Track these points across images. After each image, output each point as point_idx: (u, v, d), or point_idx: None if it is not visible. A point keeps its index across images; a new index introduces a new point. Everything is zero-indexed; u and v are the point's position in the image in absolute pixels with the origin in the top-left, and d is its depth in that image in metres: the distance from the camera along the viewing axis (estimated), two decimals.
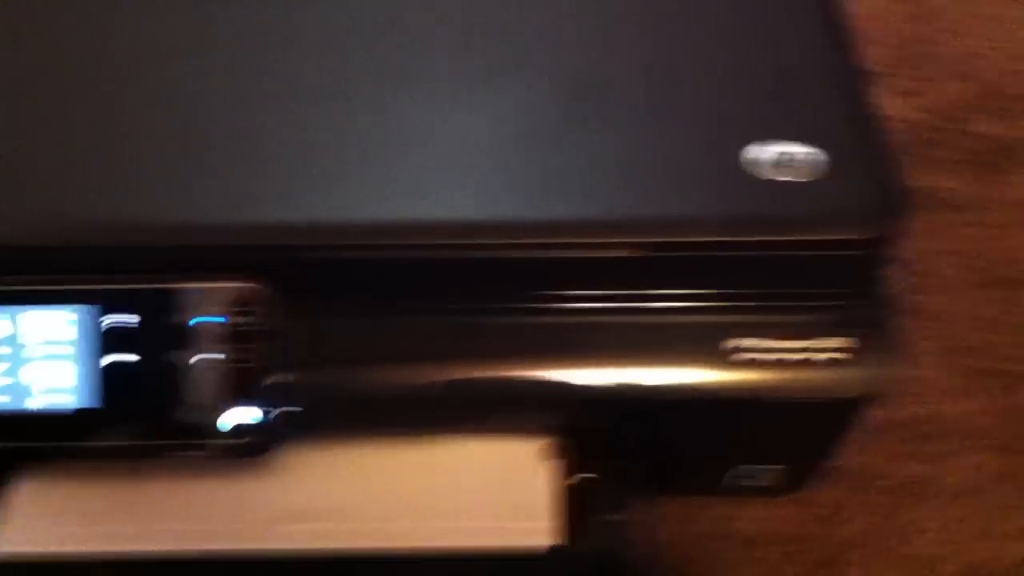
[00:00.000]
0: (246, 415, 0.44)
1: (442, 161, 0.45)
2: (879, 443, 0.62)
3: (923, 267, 0.69)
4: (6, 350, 0.44)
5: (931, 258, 0.70)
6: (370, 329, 0.45)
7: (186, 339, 0.44)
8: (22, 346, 0.44)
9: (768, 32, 0.51)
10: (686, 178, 0.45)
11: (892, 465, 0.62)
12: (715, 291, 0.46)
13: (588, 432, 0.50)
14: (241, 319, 0.44)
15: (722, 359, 0.45)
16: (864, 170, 0.46)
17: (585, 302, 0.46)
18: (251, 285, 0.44)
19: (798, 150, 0.46)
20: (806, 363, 0.45)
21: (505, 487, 0.48)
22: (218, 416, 0.44)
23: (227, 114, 0.47)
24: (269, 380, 0.44)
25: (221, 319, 0.44)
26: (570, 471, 0.49)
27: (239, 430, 0.44)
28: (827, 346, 0.45)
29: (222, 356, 0.44)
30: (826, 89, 0.48)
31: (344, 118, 0.47)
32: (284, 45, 0.49)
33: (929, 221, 0.71)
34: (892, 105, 0.78)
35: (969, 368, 0.65)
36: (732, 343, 0.45)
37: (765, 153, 0.45)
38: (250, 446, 0.45)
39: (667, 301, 0.46)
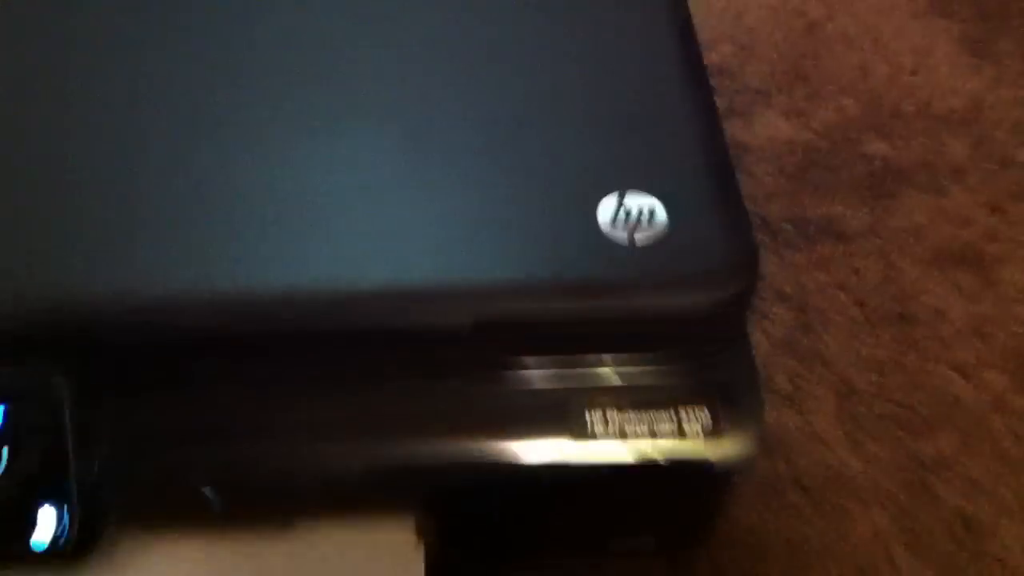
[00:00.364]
0: (50, 517, 0.41)
1: (247, 221, 0.42)
2: (766, 501, 0.58)
3: (812, 304, 0.66)
4: None
5: (819, 294, 0.66)
6: (187, 408, 0.42)
7: None
8: None
9: (610, 67, 0.49)
10: (517, 239, 0.42)
11: (780, 523, 0.57)
12: (562, 359, 0.44)
13: (447, 508, 0.46)
14: (28, 409, 0.40)
15: (571, 430, 0.43)
16: (708, 226, 0.43)
17: (424, 373, 0.43)
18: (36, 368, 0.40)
19: (637, 204, 0.43)
20: (661, 432, 0.43)
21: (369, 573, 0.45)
22: (20, 523, 0.40)
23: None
24: (74, 474, 0.40)
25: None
26: (435, 550, 0.46)
27: (51, 536, 0.41)
28: (683, 413, 0.43)
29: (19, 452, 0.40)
30: (671, 135, 0.46)
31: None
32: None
33: (817, 253, 0.68)
34: (776, 126, 0.76)
35: (862, 416, 0.61)
36: (582, 414, 0.43)
37: (602, 209, 0.43)
38: (63, 551, 0.41)
39: (512, 370, 0.43)
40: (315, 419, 0.42)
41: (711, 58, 0.75)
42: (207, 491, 0.42)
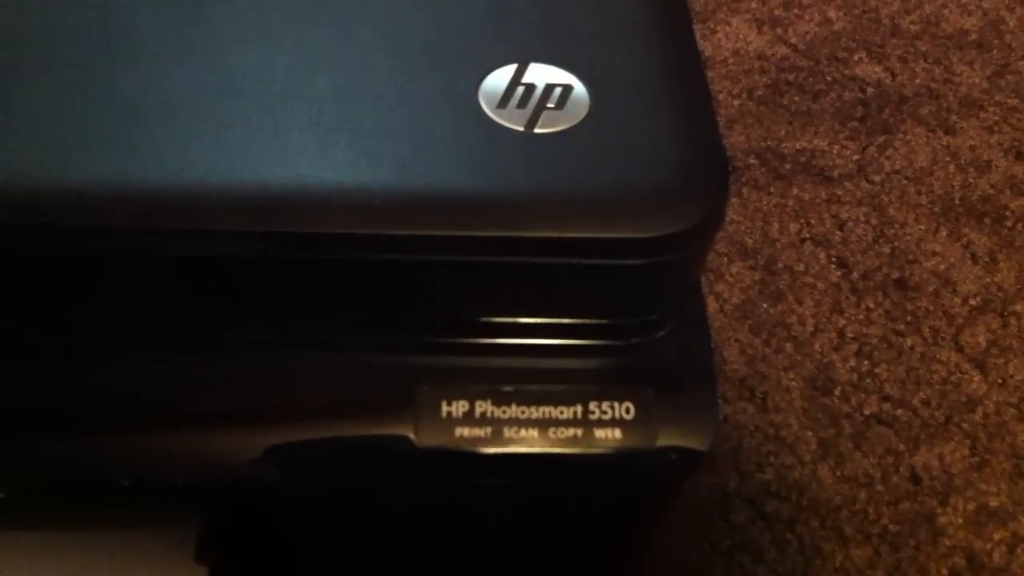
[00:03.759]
0: None
1: None
2: (708, 531, 0.50)
3: (781, 263, 0.59)
4: None
5: (791, 251, 0.59)
6: None
7: None
8: None
9: None
10: (351, 127, 0.32)
11: (727, 564, 0.49)
12: (413, 323, 0.34)
13: (238, 522, 0.41)
14: None
15: (418, 425, 0.34)
16: (650, 115, 0.34)
17: (225, 332, 0.34)
18: None
19: (544, 80, 0.34)
20: (558, 437, 0.34)
21: None
22: None
23: None
24: None
25: None
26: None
27: None
28: (595, 409, 0.34)
29: None
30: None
31: None
32: None
33: (791, 197, 0.62)
34: (744, 37, 0.69)
35: (844, 416, 0.54)
36: (436, 404, 0.34)
37: (487, 85, 0.34)
38: None
39: (339, 335, 0.34)
40: (61, 401, 0.35)
41: None
42: None
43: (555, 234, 0.31)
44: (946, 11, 0.71)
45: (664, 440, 0.34)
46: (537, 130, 0.32)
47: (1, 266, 0.31)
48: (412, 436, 0.33)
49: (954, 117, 0.65)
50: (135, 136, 0.31)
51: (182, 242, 0.30)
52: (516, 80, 0.33)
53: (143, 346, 0.33)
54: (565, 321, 0.34)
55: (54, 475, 0.36)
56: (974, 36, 0.70)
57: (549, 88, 0.33)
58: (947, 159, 0.63)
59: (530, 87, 0.33)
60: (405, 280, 0.32)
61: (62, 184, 0.30)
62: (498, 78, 0.34)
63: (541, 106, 0.33)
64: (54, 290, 0.32)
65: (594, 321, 0.35)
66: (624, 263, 0.32)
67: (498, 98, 0.33)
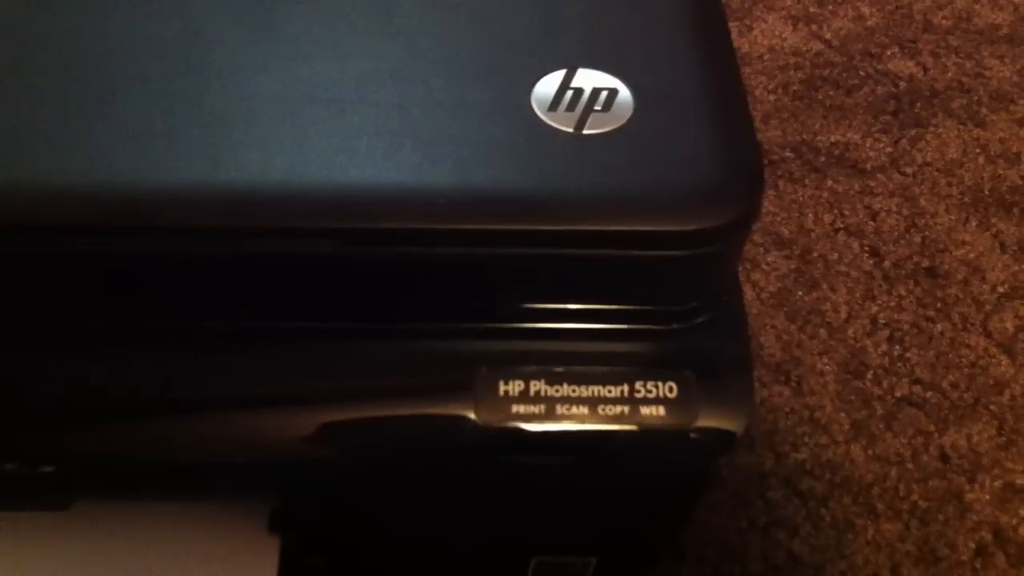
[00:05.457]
0: None
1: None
2: (745, 508, 0.51)
3: (816, 252, 0.60)
4: None
5: (826, 241, 0.61)
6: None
7: None
8: None
9: None
10: (410, 131, 0.34)
11: (764, 539, 0.50)
12: (471, 309, 0.36)
13: (309, 499, 0.42)
14: None
15: (477, 404, 0.35)
16: (692, 119, 0.35)
17: (298, 322, 0.36)
18: None
19: (592, 84, 0.36)
20: (606, 414, 0.36)
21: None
22: None
23: None
24: None
25: None
26: (292, 551, 0.43)
27: None
28: (641, 389, 0.36)
29: None
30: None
31: None
32: None
33: (825, 189, 0.63)
34: (780, 34, 0.71)
35: (876, 398, 0.55)
36: (494, 384, 0.36)
37: (539, 89, 0.36)
38: None
39: (403, 323, 0.36)
40: (145, 386, 0.37)
41: None
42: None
43: (602, 228, 0.33)
44: (977, 6, 0.72)
45: (704, 419, 0.36)
46: (586, 131, 0.34)
47: (105, 262, 0.34)
48: (472, 415, 0.35)
49: (984, 110, 0.66)
50: (223, 143, 0.33)
51: (268, 240, 0.32)
52: (565, 85, 0.35)
53: (231, 336, 0.36)
54: (611, 308, 0.36)
55: (147, 456, 0.38)
56: (1005, 31, 0.71)
57: (596, 92, 0.35)
58: (977, 151, 0.64)
59: (578, 91, 0.35)
60: (465, 271, 0.34)
61: (161, 188, 0.32)
62: (548, 83, 0.35)
63: (589, 109, 0.35)
64: (152, 285, 0.34)
65: (638, 308, 0.36)
66: (667, 254, 0.33)
67: (549, 102, 0.35)
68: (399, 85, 0.35)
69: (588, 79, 0.36)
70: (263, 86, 0.35)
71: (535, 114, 0.35)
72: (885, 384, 0.55)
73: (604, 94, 0.35)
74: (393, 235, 0.33)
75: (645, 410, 0.36)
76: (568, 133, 0.34)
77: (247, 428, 0.38)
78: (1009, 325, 0.57)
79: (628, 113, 0.34)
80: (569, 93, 0.35)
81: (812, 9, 0.71)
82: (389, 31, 0.37)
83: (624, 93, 0.35)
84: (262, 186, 0.33)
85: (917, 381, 0.55)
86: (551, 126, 0.34)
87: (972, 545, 0.50)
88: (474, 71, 0.36)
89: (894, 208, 0.62)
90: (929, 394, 0.55)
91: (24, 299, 0.36)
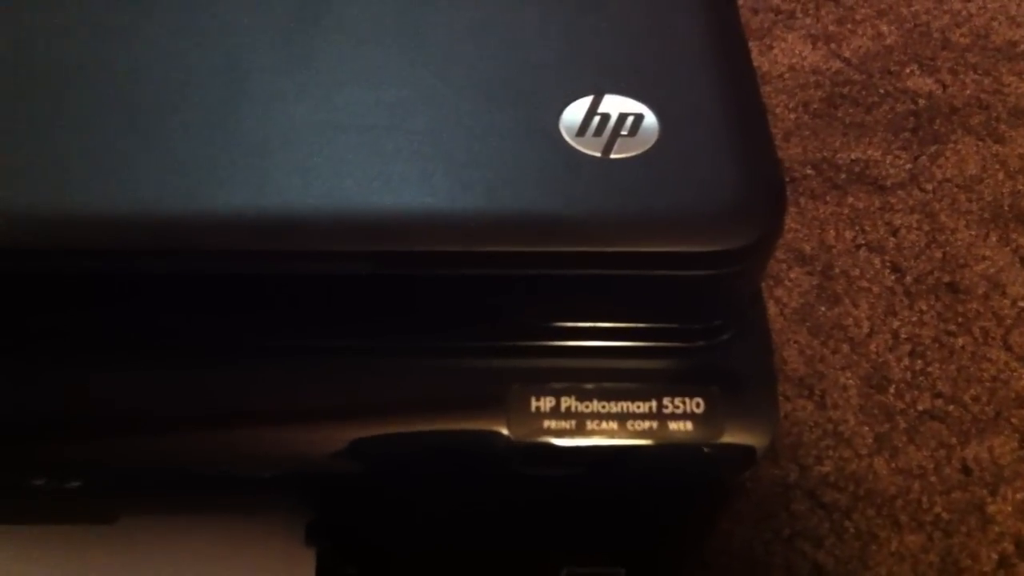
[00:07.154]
0: None
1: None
2: (769, 520, 0.52)
3: (837, 268, 0.61)
4: None
5: (847, 257, 0.61)
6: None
7: None
8: None
9: None
10: (443, 156, 0.35)
11: (788, 551, 0.51)
12: (503, 327, 0.37)
13: (345, 511, 0.43)
14: None
15: (510, 420, 0.36)
16: (716, 142, 0.36)
17: (335, 340, 0.37)
18: None
19: (618, 110, 0.36)
20: (635, 429, 0.37)
21: None
22: None
23: None
24: None
25: None
26: (331, 564, 0.44)
27: None
28: (668, 405, 0.37)
29: None
30: (669, 28, 0.40)
31: None
32: None
33: (846, 205, 0.64)
34: (800, 53, 0.71)
35: (898, 412, 0.55)
36: (526, 400, 0.37)
37: (568, 115, 0.36)
38: None
39: (436, 340, 0.37)
40: (187, 402, 0.38)
41: None
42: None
43: (630, 249, 0.34)
44: (995, 23, 0.72)
45: (729, 434, 0.37)
46: (613, 156, 0.35)
47: (158, 284, 0.35)
48: (505, 430, 0.36)
49: (1003, 126, 0.67)
50: (261, 168, 0.35)
51: (312, 262, 0.33)
52: (592, 111, 0.36)
53: (273, 354, 0.36)
54: (639, 326, 0.37)
55: (191, 471, 0.39)
56: (1022, 48, 0.71)
57: (623, 117, 0.36)
58: (996, 167, 0.64)
59: (605, 117, 0.36)
60: (498, 291, 0.35)
61: (211, 213, 0.34)
62: (576, 109, 0.36)
63: (616, 134, 0.35)
64: (200, 306, 0.35)
65: (665, 325, 0.37)
66: (692, 274, 0.34)
67: (577, 127, 0.36)
68: (432, 112, 0.36)
69: (615, 105, 0.36)
70: (301, 114, 0.37)
71: (564, 139, 0.35)
72: (907, 398, 0.55)
73: (630, 119, 0.36)
74: (428, 258, 0.34)
75: (673, 425, 0.36)
76: (596, 158, 0.35)
77: (287, 443, 0.38)
78: None
79: (654, 138, 0.35)
80: (596, 119, 0.36)
81: (831, 28, 0.71)
82: (421, 60, 0.38)
83: (650, 118, 0.36)
84: (305, 211, 0.34)
85: (939, 395, 0.55)
86: (580, 151, 0.35)
87: (994, 556, 0.50)
88: (504, 98, 0.36)
89: (914, 224, 0.62)
90: (951, 407, 0.55)
91: (79, 319, 0.36)
